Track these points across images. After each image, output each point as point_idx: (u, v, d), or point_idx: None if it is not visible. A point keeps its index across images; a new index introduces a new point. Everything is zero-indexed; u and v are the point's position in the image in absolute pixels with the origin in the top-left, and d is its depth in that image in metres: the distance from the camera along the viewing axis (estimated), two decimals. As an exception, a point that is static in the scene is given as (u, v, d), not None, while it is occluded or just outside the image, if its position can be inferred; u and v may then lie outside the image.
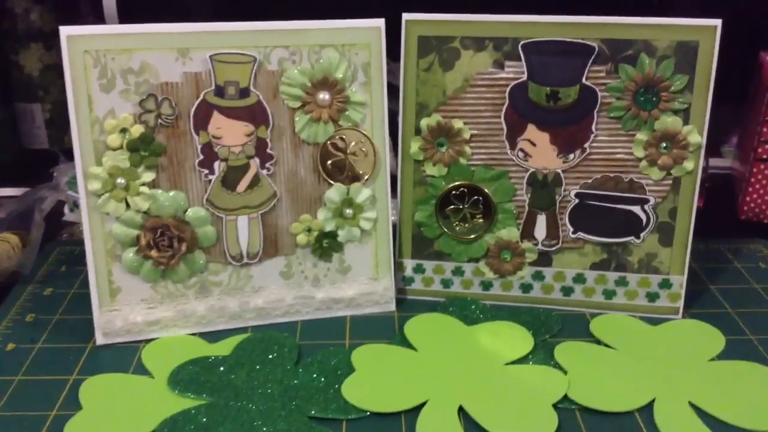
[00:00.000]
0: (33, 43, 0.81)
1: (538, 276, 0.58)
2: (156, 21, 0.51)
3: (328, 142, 0.55)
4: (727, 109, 0.71)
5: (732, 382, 0.49)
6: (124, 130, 0.51)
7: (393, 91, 0.56)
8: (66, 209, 0.73)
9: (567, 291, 0.58)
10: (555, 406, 0.47)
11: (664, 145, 0.54)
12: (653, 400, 0.47)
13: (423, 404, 0.47)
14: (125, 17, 0.76)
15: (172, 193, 0.53)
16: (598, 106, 0.54)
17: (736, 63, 0.71)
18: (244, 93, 0.52)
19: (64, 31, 0.49)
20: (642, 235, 0.56)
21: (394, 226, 0.58)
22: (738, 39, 0.61)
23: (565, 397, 0.48)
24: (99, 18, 0.80)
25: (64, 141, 0.85)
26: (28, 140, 0.86)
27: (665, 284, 0.57)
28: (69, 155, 0.54)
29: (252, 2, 0.72)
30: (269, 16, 0.53)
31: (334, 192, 0.55)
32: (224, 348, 0.53)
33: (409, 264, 0.59)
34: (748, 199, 0.72)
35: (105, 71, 0.50)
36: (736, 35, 0.58)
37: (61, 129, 0.85)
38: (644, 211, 0.55)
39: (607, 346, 0.53)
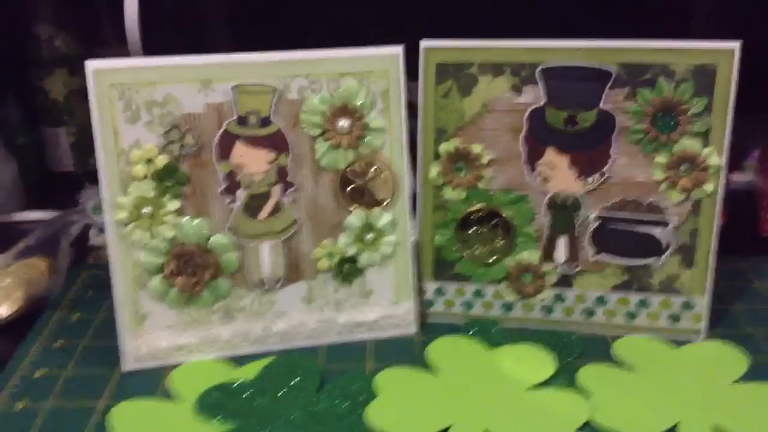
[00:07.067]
0: (57, 69, 0.83)
1: (560, 298, 0.58)
2: (177, 45, 0.51)
3: (348, 169, 0.55)
4: (748, 121, 0.70)
5: (757, 404, 0.49)
6: (149, 161, 0.52)
7: (412, 108, 0.56)
8: (92, 233, 0.74)
9: (589, 313, 0.58)
10: (578, 431, 0.47)
11: (684, 167, 0.54)
12: (677, 424, 0.47)
13: (447, 429, 0.47)
14: (148, 44, 0.77)
15: (196, 221, 0.53)
16: (615, 130, 0.54)
17: (757, 73, 0.70)
18: (265, 122, 0.53)
19: (91, 65, 0.50)
20: (663, 256, 0.56)
21: (416, 247, 0.59)
22: (759, 49, 0.61)
23: (588, 422, 0.48)
24: (121, 42, 0.82)
25: (88, 163, 0.86)
26: (53, 163, 0.87)
27: (687, 305, 0.56)
28: (93, 178, 0.54)
29: (269, 28, 0.74)
30: (287, 43, 0.53)
31: (355, 218, 0.56)
32: (249, 371, 0.53)
33: (430, 286, 0.60)
34: (770, 215, 0.72)
35: (130, 104, 0.51)
36: (758, 45, 0.57)
37: (86, 152, 0.86)
38: (665, 233, 0.55)
39: (629, 368, 0.53)
